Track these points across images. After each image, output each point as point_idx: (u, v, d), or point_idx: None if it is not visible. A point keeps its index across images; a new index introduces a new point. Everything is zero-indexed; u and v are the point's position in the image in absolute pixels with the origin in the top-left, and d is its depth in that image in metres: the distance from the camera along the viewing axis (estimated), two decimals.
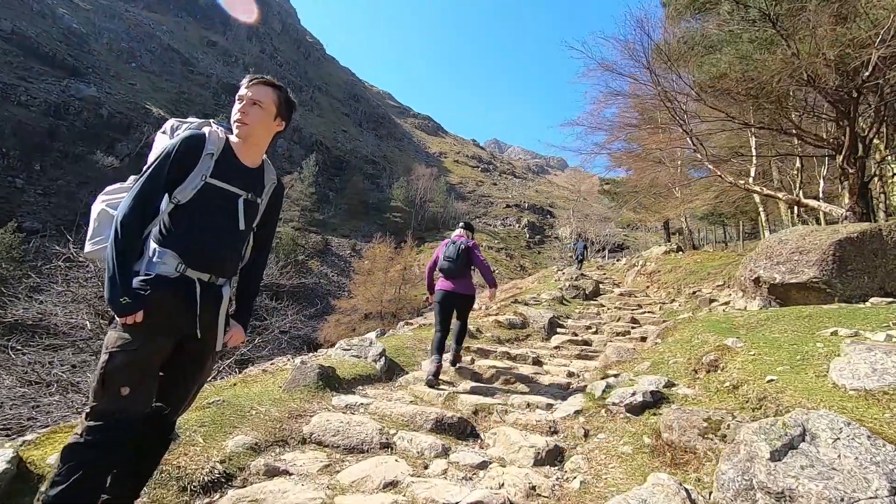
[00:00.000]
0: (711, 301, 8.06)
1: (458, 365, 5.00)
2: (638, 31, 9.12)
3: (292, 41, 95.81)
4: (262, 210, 1.94)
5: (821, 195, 12.55)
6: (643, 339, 7.27)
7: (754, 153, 12.60)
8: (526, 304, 9.12)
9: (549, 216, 77.21)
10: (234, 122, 1.82)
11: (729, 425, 2.74)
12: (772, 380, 2.93)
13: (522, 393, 4.39)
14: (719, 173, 9.77)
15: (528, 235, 67.00)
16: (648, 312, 9.83)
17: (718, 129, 9.71)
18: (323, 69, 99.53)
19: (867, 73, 7.30)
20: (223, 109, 57.82)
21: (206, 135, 1.78)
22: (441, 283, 4.84)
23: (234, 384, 4.16)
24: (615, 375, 4.51)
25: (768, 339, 4.01)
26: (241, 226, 1.81)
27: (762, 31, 8.35)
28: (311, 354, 7.32)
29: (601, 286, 13.73)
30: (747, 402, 2.91)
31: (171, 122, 1.94)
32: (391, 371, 4.72)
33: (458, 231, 5.10)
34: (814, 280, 6.07)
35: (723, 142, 13.41)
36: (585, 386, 4.44)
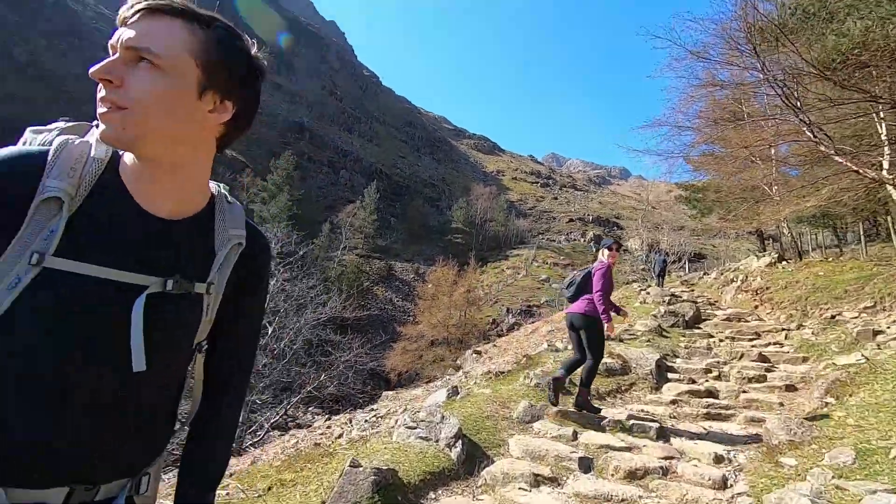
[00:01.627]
0: (876, 333, 6.19)
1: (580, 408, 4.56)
2: (738, 7, 7.62)
3: (350, 76, 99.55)
4: (212, 307, 0.83)
5: None
6: (789, 387, 5.63)
7: (885, 140, 10.39)
8: (620, 341, 7.64)
9: (615, 228, 73.47)
10: (98, 108, 0.69)
11: None
12: None
13: (665, 498, 3.06)
14: (855, 168, 7.88)
15: (594, 250, 63.83)
16: (774, 344, 7.99)
17: (852, 112, 7.88)
18: (380, 100, 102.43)
19: None
20: (288, 147, 59.77)
21: (52, 154, 0.71)
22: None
23: (269, 488, 3.17)
24: (798, 473, 3.07)
25: None
26: (139, 363, 0.70)
27: None
28: (370, 412, 6.31)
29: (699, 307, 11.81)
30: None
31: (27, 134, 0.81)
32: (471, 459, 3.54)
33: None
34: None
35: (835, 130, 11.24)
36: (754, 486, 3.04)
